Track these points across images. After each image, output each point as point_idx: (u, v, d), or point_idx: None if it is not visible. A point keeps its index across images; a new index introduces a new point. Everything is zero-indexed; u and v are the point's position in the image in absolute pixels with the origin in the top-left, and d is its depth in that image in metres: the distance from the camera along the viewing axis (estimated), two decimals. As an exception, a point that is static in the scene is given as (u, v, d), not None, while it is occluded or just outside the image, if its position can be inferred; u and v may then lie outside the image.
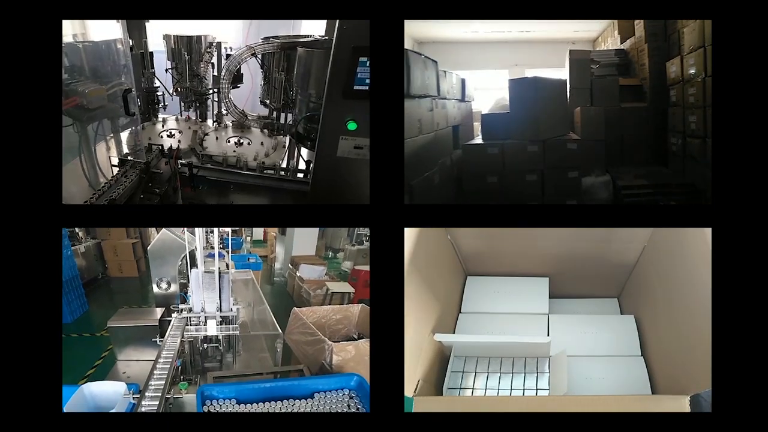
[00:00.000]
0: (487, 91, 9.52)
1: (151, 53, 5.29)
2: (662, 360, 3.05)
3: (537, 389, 3.05)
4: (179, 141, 5.19)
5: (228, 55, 5.27)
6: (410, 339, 2.78)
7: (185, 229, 5.13)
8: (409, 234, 2.97)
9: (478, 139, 6.24)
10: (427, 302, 3.13)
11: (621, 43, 7.38)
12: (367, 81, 3.67)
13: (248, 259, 10.85)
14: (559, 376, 2.99)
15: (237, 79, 5.26)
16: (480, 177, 5.79)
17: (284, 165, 5.12)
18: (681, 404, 2.25)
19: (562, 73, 6.93)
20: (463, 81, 7.70)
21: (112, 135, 4.72)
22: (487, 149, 5.81)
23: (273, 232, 13.26)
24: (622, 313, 3.79)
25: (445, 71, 6.48)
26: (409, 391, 2.62)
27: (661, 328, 3.13)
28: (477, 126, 7.86)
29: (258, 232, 15.56)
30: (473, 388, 3.11)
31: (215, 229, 5.03)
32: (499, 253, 3.74)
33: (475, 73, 8.69)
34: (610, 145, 6.31)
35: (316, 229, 12.81)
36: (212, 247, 4.62)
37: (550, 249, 3.62)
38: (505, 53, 10.44)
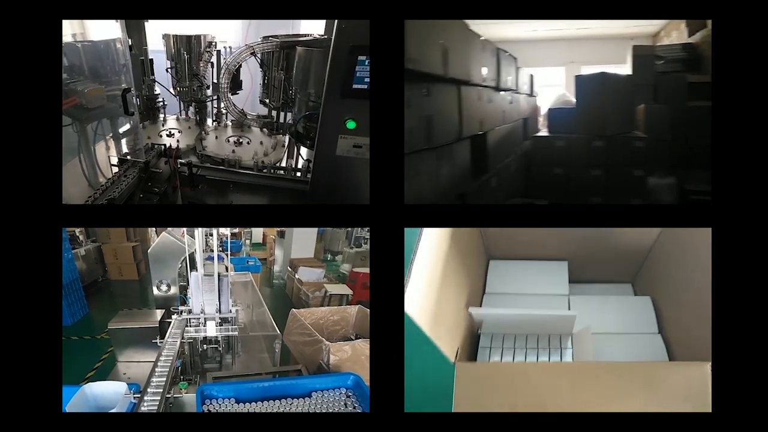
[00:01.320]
0: (547, 88, 9.78)
1: (151, 60, 5.32)
2: (679, 337, 3.14)
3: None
4: (178, 141, 5.20)
5: (219, 51, 5.30)
6: (452, 310, 2.88)
7: (185, 231, 5.14)
8: None
9: (544, 132, 6.40)
10: (462, 280, 3.19)
11: (689, 37, 6.75)
12: (366, 80, 3.68)
13: (247, 261, 10.89)
14: (584, 350, 3.09)
15: (236, 85, 5.28)
16: (547, 167, 6.07)
17: (283, 164, 5.14)
18: (703, 370, 2.35)
19: (621, 70, 6.90)
20: (531, 77, 8.10)
21: (111, 134, 4.73)
22: (554, 142, 6.07)
23: (272, 234, 13.29)
24: (636, 295, 3.86)
25: (519, 68, 6.83)
26: (450, 357, 2.65)
27: (677, 308, 3.22)
28: (540, 120, 8.35)
29: (257, 235, 15.60)
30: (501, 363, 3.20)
31: (214, 232, 5.04)
32: (520, 237, 3.81)
33: (534, 70, 8.83)
34: (675, 145, 6.29)
35: (315, 232, 12.85)
36: (212, 250, 4.63)
37: (568, 233, 3.69)
38: (562, 50, 10.65)
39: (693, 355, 2.84)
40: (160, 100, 5.54)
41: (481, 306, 3.64)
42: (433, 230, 2.82)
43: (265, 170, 4.80)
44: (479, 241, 3.75)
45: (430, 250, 2.72)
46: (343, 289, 9.56)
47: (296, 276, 10.28)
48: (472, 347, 3.21)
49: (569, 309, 3.58)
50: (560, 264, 3.85)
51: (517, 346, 3.24)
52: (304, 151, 5.18)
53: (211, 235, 4.94)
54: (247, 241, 14.53)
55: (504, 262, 3.92)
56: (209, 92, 5.52)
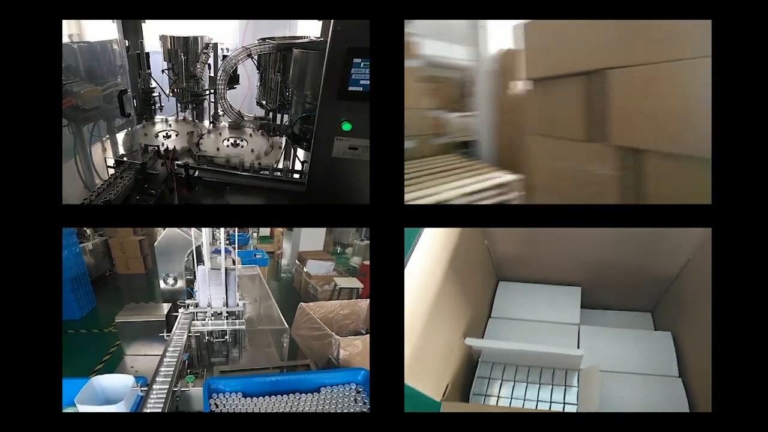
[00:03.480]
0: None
1: (147, 54, 5.31)
2: (703, 383, 2.86)
3: (564, 403, 2.96)
4: (174, 145, 5.20)
5: (224, 57, 5.29)
6: (442, 342, 2.77)
7: (192, 225, 5.15)
8: (448, 234, 2.93)
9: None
10: (460, 306, 3.09)
11: None
12: (362, 82, 3.68)
13: (255, 254, 10.88)
14: (589, 391, 2.87)
15: (233, 80, 5.28)
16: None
17: (280, 166, 5.14)
18: None
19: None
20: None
21: (108, 136, 4.73)
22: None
23: (280, 228, 13.25)
24: (656, 329, 3.61)
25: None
26: (437, 395, 2.61)
27: (702, 349, 2.90)
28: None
29: (265, 228, 15.58)
30: (498, 396, 3.05)
31: (221, 226, 5.06)
32: (532, 258, 3.68)
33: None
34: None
35: (323, 225, 12.82)
36: (219, 243, 4.64)
37: (585, 257, 3.52)
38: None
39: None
40: (157, 95, 5.54)
41: (484, 331, 3.54)
42: (430, 249, 2.76)
43: (261, 172, 4.82)
44: (487, 260, 3.64)
45: (422, 277, 2.65)
46: (353, 283, 9.46)
47: (305, 269, 10.24)
48: (469, 376, 3.12)
49: (579, 339, 3.42)
50: (573, 290, 3.70)
51: (518, 378, 3.11)
52: (300, 152, 5.20)
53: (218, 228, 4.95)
54: (255, 234, 14.52)
55: (514, 285, 3.81)
56: (206, 86, 5.53)
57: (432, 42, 6.82)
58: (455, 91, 7.49)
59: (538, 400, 2.99)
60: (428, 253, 2.73)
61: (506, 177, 5.08)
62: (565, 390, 3.01)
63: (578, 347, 3.34)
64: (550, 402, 2.97)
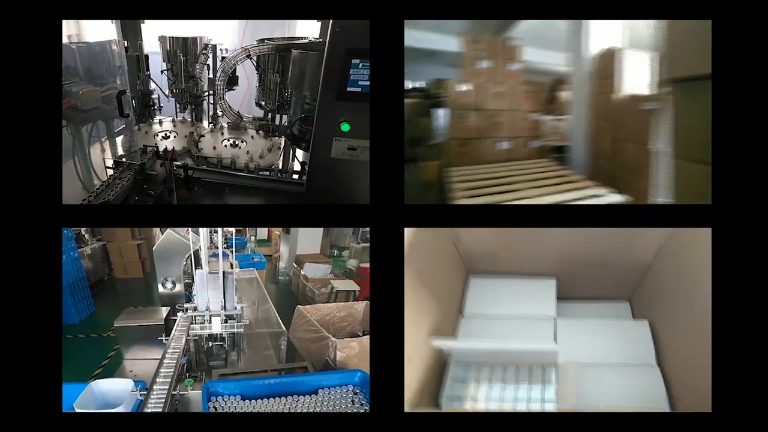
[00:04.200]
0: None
1: (147, 56, 5.33)
2: (680, 370, 2.89)
3: (543, 400, 2.90)
4: (173, 146, 5.20)
5: (223, 58, 5.30)
6: (408, 342, 2.71)
7: (189, 229, 5.16)
8: (407, 231, 2.91)
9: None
10: (425, 304, 3.05)
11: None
12: (360, 83, 3.71)
13: (252, 258, 10.88)
14: (567, 387, 2.86)
15: (232, 81, 5.29)
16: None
17: (279, 166, 5.15)
18: None
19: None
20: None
21: (107, 136, 4.73)
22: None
23: (277, 231, 13.28)
24: (633, 318, 3.61)
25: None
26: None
27: (679, 336, 2.97)
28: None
29: (262, 232, 15.58)
30: (474, 398, 2.98)
31: (219, 229, 5.06)
32: (503, 251, 3.63)
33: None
34: None
35: (321, 228, 12.83)
36: (216, 247, 4.64)
37: (557, 247, 3.48)
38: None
39: (692, 393, 2.71)
40: (156, 96, 5.55)
41: (456, 330, 3.49)
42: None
43: (261, 172, 4.81)
44: (454, 255, 3.59)
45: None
46: (350, 285, 9.51)
47: (302, 272, 10.27)
48: (441, 378, 3.06)
49: (555, 333, 3.37)
50: (547, 282, 3.65)
51: (494, 378, 3.04)
52: (299, 153, 5.22)
53: (216, 232, 4.95)
54: (252, 238, 14.52)
55: (485, 279, 3.74)
56: (205, 87, 5.53)
57: (530, 47, 6.85)
58: (549, 94, 7.56)
59: (516, 400, 2.93)
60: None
61: (612, 197, 4.36)
62: (543, 387, 2.97)
63: (555, 341, 3.32)
64: (528, 400, 2.91)
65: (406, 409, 2.53)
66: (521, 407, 2.88)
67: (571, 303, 3.70)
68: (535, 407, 2.87)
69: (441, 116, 6.95)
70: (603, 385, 3.02)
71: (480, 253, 3.65)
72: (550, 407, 2.85)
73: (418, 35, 9.88)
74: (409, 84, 10.17)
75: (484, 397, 2.97)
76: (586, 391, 2.95)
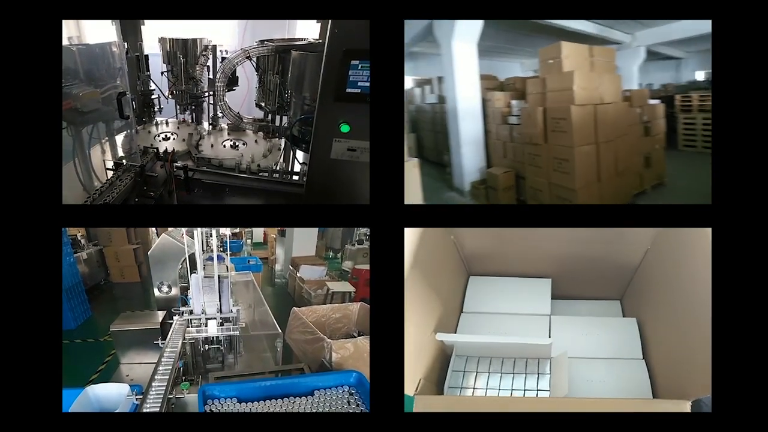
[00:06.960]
0: None
1: (147, 56, 5.33)
2: (664, 363, 3.03)
3: (537, 390, 3.05)
4: (174, 147, 5.20)
5: (223, 59, 5.30)
6: (412, 338, 2.79)
7: (185, 233, 5.16)
8: (411, 233, 2.97)
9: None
10: (429, 301, 3.13)
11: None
12: (359, 84, 3.70)
13: (248, 261, 10.89)
14: (560, 377, 2.99)
15: (232, 82, 5.29)
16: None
17: (279, 167, 5.15)
18: (682, 408, 2.28)
19: None
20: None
21: (107, 138, 4.72)
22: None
23: (273, 233, 13.31)
24: (624, 316, 3.76)
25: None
26: (410, 390, 2.63)
27: (663, 332, 3.11)
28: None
29: (258, 235, 15.61)
30: (474, 388, 3.11)
31: (214, 233, 5.05)
32: (501, 253, 3.73)
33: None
34: None
35: (316, 230, 12.85)
36: (212, 251, 4.63)
37: (552, 250, 3.60)
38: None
39: (672, 384, 2.81)
40: (156, 97, 5.54)
41: (456, 326, 3.60)
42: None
43: (260, 174, 4.81)
44: (456, 256, 3.69)
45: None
46: (345, 287, 9.57)
47: (298, 274, 10.29)
48: (444, 370, 3.17)
49: (550, 330, 3.53)
50: (543, 282, 3.78)
51: (492, 370, 3.19)
52: (299, 154, 5.21)
53: (211, 235, 4.94)
54: (248, 241, 14.55)
55: (484, 279, 3.86)
56: (205, 88, 5.54)
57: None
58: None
59: (512, 390, 3.09)
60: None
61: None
62: (538, 378, 3.12)
63: (549, 336, 3.46)
64: (524, 390, 3.07)
65: (413, 395, 2.56)
66: (518, 396, 3.03)
67: (566, 302, 3.84)
68: (530, 396, 3.03)
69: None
70: (592, 375, 3.18)
71: (480, 255, 3.74)
72: (544, 396, 3.01)
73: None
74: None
75: (484, 387, 3.12)
76: (577, 381, 3.11)
